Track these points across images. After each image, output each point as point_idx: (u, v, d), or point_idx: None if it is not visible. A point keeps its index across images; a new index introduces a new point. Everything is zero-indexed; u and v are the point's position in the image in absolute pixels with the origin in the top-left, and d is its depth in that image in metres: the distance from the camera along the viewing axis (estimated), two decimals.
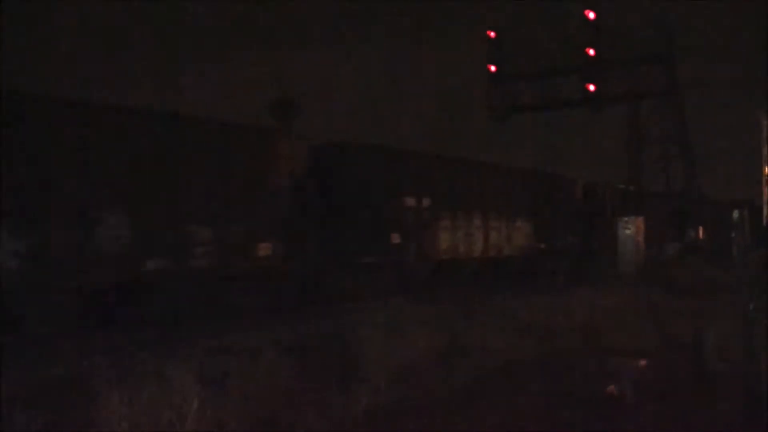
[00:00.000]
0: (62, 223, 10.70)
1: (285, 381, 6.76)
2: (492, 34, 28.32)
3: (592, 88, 26.47)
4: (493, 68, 28.22)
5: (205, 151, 13.00)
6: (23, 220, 10.21)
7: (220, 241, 12.86)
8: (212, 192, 12.95)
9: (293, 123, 25.39)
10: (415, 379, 7.38)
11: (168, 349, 7.99)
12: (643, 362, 8.56)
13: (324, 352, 8.06)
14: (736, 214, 6.91)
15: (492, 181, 22.19)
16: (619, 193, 28.91)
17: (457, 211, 19.65)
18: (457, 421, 6.56)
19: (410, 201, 17.79)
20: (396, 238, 17.20)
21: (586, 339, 10.01)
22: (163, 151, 12.24)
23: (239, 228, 13.34)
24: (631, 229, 24.13)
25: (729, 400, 6.98)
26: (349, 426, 6.14)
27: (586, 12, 26.45)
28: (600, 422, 6.58)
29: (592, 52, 26.37)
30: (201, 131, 13.31)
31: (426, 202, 18.20)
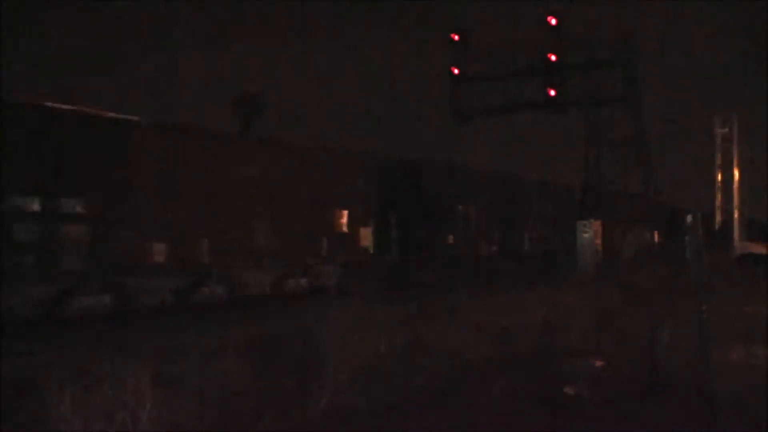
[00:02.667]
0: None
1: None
2: (456, 37, 28.53)
3: (552, 92, 26.88)
4: (456, 71, 28.45)
5: (332, 172, 17.90)
6: None
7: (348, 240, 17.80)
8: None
9: (256, 119, 25.08)
10: (374, 378, 7.36)
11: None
12: (599, 363, 8.67)
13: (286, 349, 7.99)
14: (689, 218, 7.07)
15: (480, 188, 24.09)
16: (577, 196, 29.37)
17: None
18: (416, 421, 6.55)
19: (466, 209, 22.32)
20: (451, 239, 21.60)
21: (543, 339, 10.11)
22: (310, 175, 17.22)
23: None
24: (589, 232, 24.53)
25: (682, 399, 7.13)
26: (310, 426, 6.09)
27: (549, 18, 26.86)
28: (556, 422, 6.65)
29: (553, 57, 26.78)
30: (324, 157, 17.91)
31: (472, 212, 22.55)
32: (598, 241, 24.61)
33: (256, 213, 15.76)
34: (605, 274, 21.98)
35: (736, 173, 35.44)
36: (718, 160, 35.63)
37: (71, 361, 6.80)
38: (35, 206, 12.05)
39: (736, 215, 35.32)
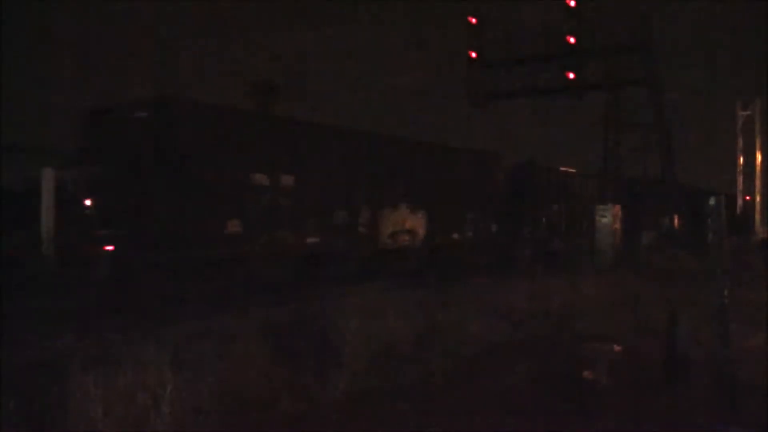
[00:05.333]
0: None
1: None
2: (473, 20, 28.27)
3: (571, 76, 26.59)
4: (473, 54, 28.22)
5: (467, 169, 22.44)
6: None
7: (470, 222, 22.25)
8: (468, 192, 22.16)
9: (272, 105, 25.12)
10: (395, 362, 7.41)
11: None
12: (617, 348, 8.64)
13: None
14: (712, 201, 6.98)
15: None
16: (596, 181, 29.14)
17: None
18: (437, 403, 6.60)
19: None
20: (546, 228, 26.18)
21: (563, 324, 10.11)
22: (449, 170, 21.37)
23: (476, 215, 22.43)
24: (607, 217, 24.32)
25: (700, 385, 7.10)
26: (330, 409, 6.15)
27: (568, 0, 26.49)
28: (574, 406, 6.66)
29: (572, 40, 26.45)
30: (462, 156, 22.50)
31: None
32: (617, 226, 24.41)
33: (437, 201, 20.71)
34: (624, 259, 21.84)
35: (759, 157, 34.92)
36: (740, 144, 35.14)
37: None
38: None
39: (758, 199, 34.85)
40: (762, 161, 34.91)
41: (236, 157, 14.29)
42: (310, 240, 15.99)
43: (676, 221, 29.04)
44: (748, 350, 8.48)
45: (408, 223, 19.08)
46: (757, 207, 34.75)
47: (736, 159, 35.45)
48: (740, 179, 35.78)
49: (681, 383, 7.33)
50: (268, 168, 14.97)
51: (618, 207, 24.81)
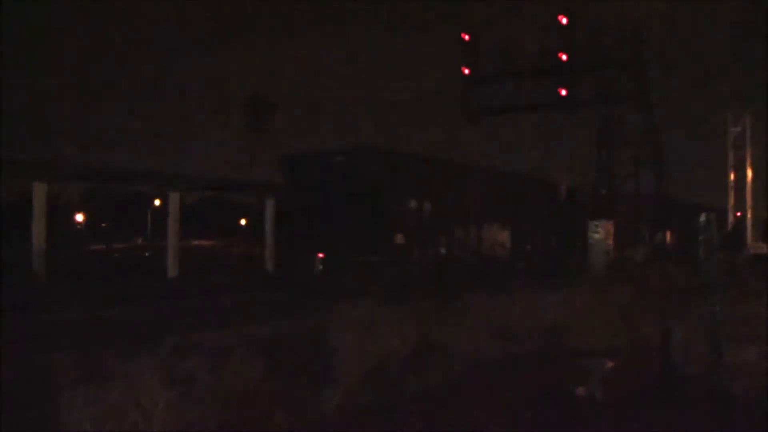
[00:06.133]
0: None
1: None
2: (466, 36, 28.48)
3: (563, 92, 26.78)
4: (466, 70, 28.40)
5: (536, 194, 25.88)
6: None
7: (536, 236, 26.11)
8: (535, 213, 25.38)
9: (267, 120, 25.21)
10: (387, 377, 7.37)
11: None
12: (611, 363, 8.62)
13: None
14: (703, 217, 7.02)
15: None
16: (590, 197, 29.28)
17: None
18: (429, 419, 6.55)
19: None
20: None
21: (555, 339, 10.09)
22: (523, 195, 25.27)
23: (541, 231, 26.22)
24: (600, 233, 24.41)
25: (694, 400, 7.09)
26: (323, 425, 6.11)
27: (560, 17, 26.74)
28: (569, 422, 6.63)
29: (564, 57, 26.67)
30: (533, 183, 26.30)
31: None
32: (610, 242, 24.49)
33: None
34: (617, 273, 21.84)
35: (749, 173, 35.14)
36: (731, 160, 35.34)
37: None
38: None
39: (749, 215, 35.02)
40: (753, 177, 35.14)
41: (402, 188, 20.76)
42: (441, 250, 22.20)
43: (668, 236, 29.15)
44: (742, 364, 8.48)
45: (500, 237, 24.91)
46: (749, 223, 34.92)
47: (727, 175, 35.65)
48: (731, 195, 35.96)
49: (675, 397, 7.32)
50: (418, 196, 21.48)
51: (611, 223, 24.92)
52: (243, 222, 51.68)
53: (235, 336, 8.87)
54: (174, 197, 24.16)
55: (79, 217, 50.69)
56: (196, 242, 46.25)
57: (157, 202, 44.72)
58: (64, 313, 12.86)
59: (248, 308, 15.92)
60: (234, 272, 25.85)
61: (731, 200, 35.65)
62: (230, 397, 5.72)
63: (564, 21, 26.71)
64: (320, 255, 18.99)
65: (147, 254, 42.85)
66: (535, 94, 27.81)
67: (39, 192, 19.86)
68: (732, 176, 35.48)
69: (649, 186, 30.49)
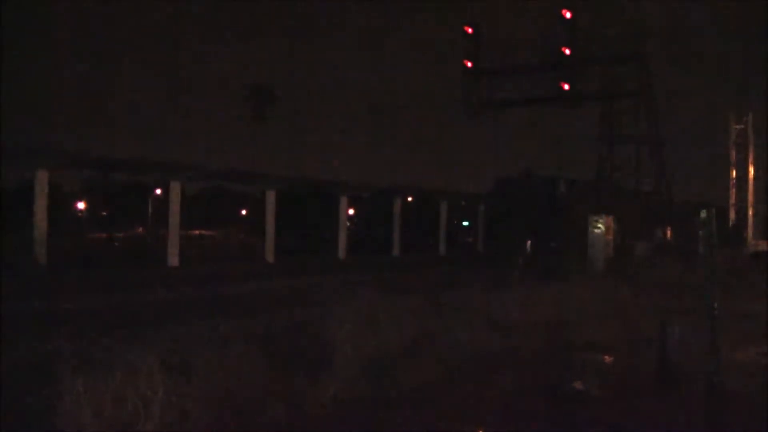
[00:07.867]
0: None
1: None
2: (469, 29, 28.40)
3: (566, 86, 26.73)
4: (469, 64, 28.34)
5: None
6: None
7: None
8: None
9: (269, 110, 25.14)
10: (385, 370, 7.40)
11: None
12: (609, 358, 8.66)
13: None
14: (703, 213, 7.01)
15: None
16: (591, 191, 29.24)
17: None
18: (427, 412, 6.59)
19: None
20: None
21: (554, 334, 10.11)
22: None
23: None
24: (601, 228, 24.37)
25: (691, 396, 7.11)
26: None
27: (563, 11, 26.66)
28: (565, 416, 6.66)
29: (567, 51, 26.61)
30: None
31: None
32: (610, 237, 24.46)
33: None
34: (617, 269, 21.84)
35: (751, 170, 35.08)
36: (733, 157, 35.28)
37: None
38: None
39: (750, 212, 34.99)
40: (754, 174, 35.08)
41: (575, 206, 25.40)
42: None
43: (668, 232, 29.13)
44: (738, 361, 8.51)
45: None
46: (750, 220, 34.89)
47: (729, 172, 35.59)
48: (733, 192, 35.90)
49: (672, 393, 7.35)
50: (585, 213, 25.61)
51: (611, 218, 24.87)
52: (243, 213, 51.90)
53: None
54: (175, 187, 24.12)
55: (81, 205, 50.77)
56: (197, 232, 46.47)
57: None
58: (62, 300, 12.88)
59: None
60: (232, 261, 26.57)
61: (732, 197, 35.59)
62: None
63: (567, 15, 26.63)
64: (528, 243, 24.77)
65: (149, 242, 42.96)
66: (537, 88, 27.78)
67: (41, 179, 19.87)
68: (734, 173, 35.42)
69: (650, 181, 30.48)
